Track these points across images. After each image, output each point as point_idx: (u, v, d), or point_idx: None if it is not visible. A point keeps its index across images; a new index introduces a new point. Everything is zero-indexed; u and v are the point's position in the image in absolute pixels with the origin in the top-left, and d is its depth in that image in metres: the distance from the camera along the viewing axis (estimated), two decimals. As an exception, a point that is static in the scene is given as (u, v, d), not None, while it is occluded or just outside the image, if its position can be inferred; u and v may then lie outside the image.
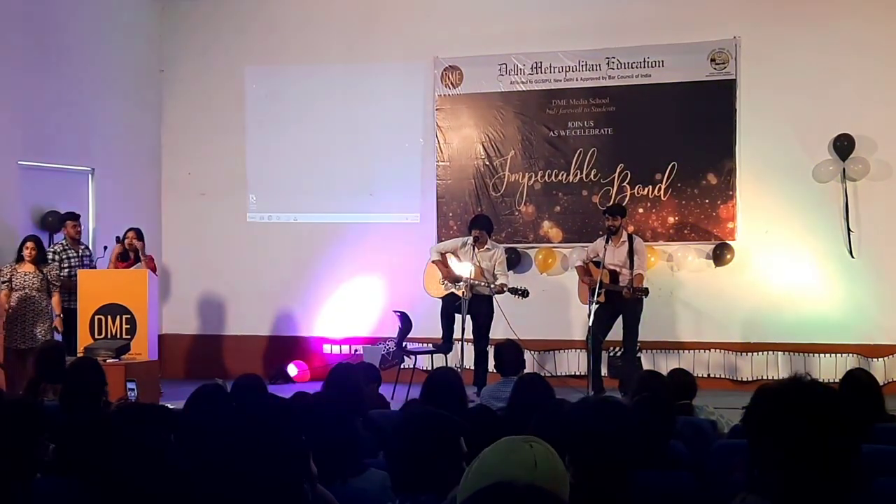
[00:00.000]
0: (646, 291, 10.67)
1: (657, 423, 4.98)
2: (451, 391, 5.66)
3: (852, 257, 11.66)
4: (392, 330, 12.17)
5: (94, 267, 11.61)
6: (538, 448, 2.60)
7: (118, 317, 10.90)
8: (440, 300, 11.21)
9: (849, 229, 11.62)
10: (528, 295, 10.79)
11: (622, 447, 3.12)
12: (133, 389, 8.04)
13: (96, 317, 10.88)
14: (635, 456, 3.23)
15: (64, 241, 11.57)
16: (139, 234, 11.63)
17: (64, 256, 11.43)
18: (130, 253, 11.60)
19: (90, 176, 12.99)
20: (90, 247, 12.15)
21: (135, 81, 13.87)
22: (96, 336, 10.79)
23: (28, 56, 12.17)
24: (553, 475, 2.56)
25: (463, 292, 10.71)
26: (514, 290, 10.75)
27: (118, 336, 10.79)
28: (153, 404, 6.51)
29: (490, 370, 9.59)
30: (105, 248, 11.85)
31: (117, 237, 11.67)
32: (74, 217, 11.64)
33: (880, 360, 11.49)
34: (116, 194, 13.19)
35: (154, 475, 3.42)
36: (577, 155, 12.60)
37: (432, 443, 3.38)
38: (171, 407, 6.05)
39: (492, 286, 10.80)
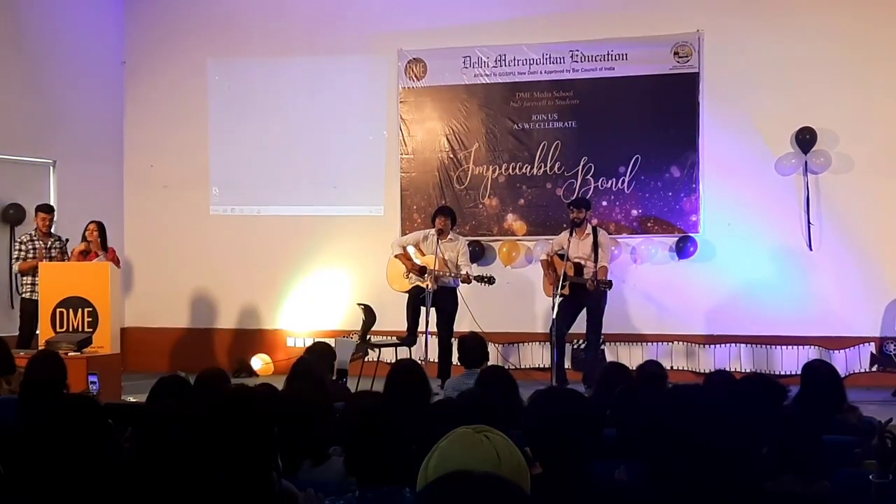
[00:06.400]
0: (609, 284, 10.69)
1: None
2: (414, 383, 5.67)
3: (810, 250, 11.75)
4: (356, 323, 12.13)
5: (69, 257, 11.55)
6: (496, 439, 2.55)
7: (80, 310, 10.80)
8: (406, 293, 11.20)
9: (809, 222, 11.71)
10: (493, 282, 10.81)
11: (582, 436, 3.12)
12: (95, 383, 7.97)
13: (58, 310, 10.78)
14: (595, 445, 3.23)
15: (32, 233, 11.59)
16: (100, 227, 11.56)
17: (30, 247, 11.43)
18: (92, 247, 11.53)
19: (51, 168, 12.89)
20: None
21: (97, 73, 13.77)
22: (58, 329, 10.70)
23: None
24: (517, 467, 2.53)
25: (428, 284, 10.70)
26: (479, 278, 10.76)
27: (80, 329, 10.69)
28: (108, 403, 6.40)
29: (454, 362, 9.60)
30: (67, 240, 11.74)
31: (84, 235, 11.58)
32: (44, 209, 11.63)
33: (841, 351, 11.58)
34: (78, 186, 13.09)
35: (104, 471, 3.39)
36: (541, 148, 12.61)
37: (392, 433, 3.38)
38: (133, 400, 6.01)
39: (456, 276, 10.81)
